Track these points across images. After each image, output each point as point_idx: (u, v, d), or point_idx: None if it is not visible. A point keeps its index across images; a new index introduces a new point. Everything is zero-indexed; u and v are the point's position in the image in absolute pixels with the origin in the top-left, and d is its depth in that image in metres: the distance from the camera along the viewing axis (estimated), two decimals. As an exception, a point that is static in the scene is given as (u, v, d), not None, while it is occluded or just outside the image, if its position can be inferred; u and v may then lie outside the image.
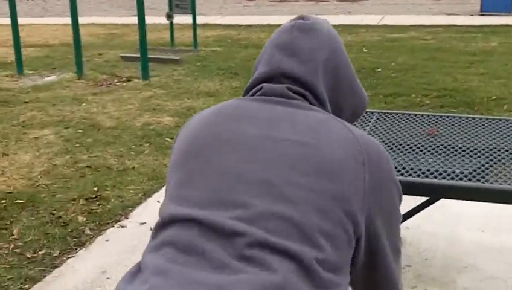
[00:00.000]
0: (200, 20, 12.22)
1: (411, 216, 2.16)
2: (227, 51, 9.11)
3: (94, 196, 3.86)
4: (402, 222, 1.43)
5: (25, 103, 6.40)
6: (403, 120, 2.54)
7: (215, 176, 1.12)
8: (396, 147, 2.22)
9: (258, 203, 1.07)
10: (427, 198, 2.02)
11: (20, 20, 13.22)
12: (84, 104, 6.30)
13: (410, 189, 1.89)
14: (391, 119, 2.55)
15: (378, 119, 2.56)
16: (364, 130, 2.44)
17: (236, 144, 1.16)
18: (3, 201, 3.80)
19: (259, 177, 1.10)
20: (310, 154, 1.13)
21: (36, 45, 10.33)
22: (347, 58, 1.36)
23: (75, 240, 3.28)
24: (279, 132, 1.17)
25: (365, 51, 8.77)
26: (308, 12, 14.01)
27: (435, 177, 1.95)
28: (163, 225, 1.13)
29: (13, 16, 7.67)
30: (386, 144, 2.24)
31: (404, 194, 1.32)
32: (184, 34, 10.68)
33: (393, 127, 2.45)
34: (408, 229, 3.14)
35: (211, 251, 1.03)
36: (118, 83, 7.31)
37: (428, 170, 2.01)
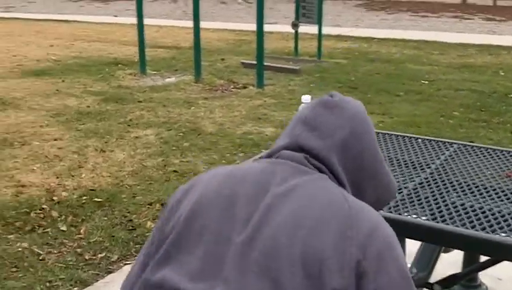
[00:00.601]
0: (333, 31, 12.01)
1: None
2: (351, 64, 8.81)
3: (171, 202, 3.78)
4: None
5: (139, 102, 6.57)
6: (485, 156, 2.16)
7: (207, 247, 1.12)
8: (462, 187, 1.88)
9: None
10: None
11: (158, 22, 13.84)
12: (193, 107, 6.33)
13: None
14: (471, 155, 2.18)
15: (455, 151, 2.20)
16: (433, 161, 2.10)
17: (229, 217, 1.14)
18: (84, 198, 3.85)
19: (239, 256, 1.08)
20: (293, 244, 1.07)
21: (166, 46, 10.67)
22: (374, 144, 1.31)
23: (137, 246, 3.20)
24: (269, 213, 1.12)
25: (502, 74, 8.06)
26: (449, 28, 13.28)
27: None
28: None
29: (139, 17, 7.96)
30: (451, 182, 1.90)
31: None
32: (312, 44, 10.51)
33: (469, 163, 2.09)
34: (501, 281, 2.73)
35: None
36: (232, 89, 7.29)
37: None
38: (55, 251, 3.15)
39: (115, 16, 15.62)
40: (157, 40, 11.19)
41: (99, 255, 3.10)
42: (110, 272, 2.96)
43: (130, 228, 3.43)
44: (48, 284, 2.83)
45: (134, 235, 3.33)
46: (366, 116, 1.32)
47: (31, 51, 9.81)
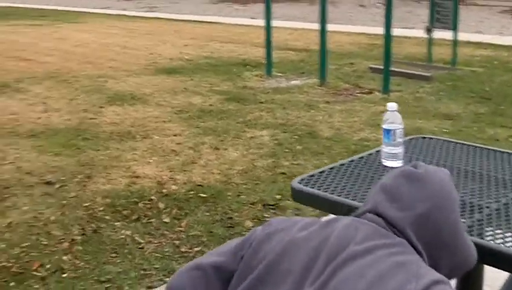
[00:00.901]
0: (474, 38, 11.46)
1: None
2: (488, 73, 8.34)
3: (273, 203, 3.81)
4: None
5: (260, 102, 6.67)
6: None
7: None
8: None
9: None
10: None
11: (293, 25, 13.99)
12: (312, 111, 6.33)
13: None
14: None
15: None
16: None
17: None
18: (191, 192, 3.98)
19: None
20: None
21: (296, 49, 10.75)
22: (455, 219, 1.33)
23: (232, 244, 3.26)
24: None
25: None
26: None
27: None
28: None
29: (267, 20, 8.08)
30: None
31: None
32: (449, 51, 10.08)
33: None
34: None
35: None
36: (357, 94, 7.19)
37: None
38: (155, 241, 3.29)
39: (252, 19, 15.99)
40: (288, 43, 11.30)
41: (195, 249, 3.20)
42: (202, 267, 3.04)
43: (229, 225, 3.49)
44: (142, 271, 2.96)
45: (232, 232, 3.39)
46: (449, 190, 1.34)
47: (166, 50, 10.31)
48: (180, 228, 3.45)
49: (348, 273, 1.17)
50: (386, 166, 2.13)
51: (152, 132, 5.40)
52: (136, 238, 3.31)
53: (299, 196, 1.98)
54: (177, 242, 3.28)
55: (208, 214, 3.65)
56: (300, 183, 1.98)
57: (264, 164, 4.58)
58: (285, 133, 5.47)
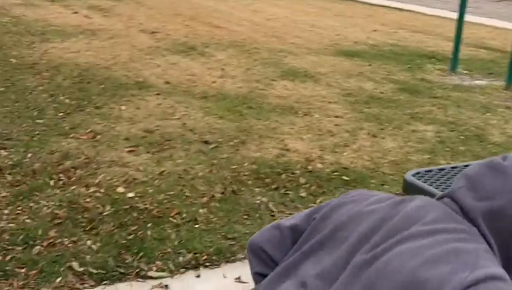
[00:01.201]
0: None
1: None
2: None
3: (414, 198, 3.74)
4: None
5: (434, 97, 6.48)
6: None
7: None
8: None
9: None
10: None
11: (496, 23, 13.19)
12: (488, 114, 6.02)
13: None
14: None
15: None
16: None
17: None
18: (335, 173, 4.05)
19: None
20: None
21: (491, 48, 10.17)
22: None
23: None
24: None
25: None
26: None
27: None
28: None
29: (461, 13, 7.77)
30: None
31: None
32: None
33: None
34: None
35: None
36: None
37: None
38: (287, 212, 3.42)
39: (452, 12, 15.33)
40: (483, 41, 10.73)
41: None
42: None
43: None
44: (265, 237, 3.11)
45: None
46: None
47: (353, 33, 10.32)
48: (314, 204, 3.53)
49: (403, 250, 1.19)
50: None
51: (314, 110, 5.51)
52: (270, 205, 3.47)
53: (409, 188, 1.97)
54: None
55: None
56: (414, 176, 1.97)
57: (418, 159, 4.49)
58: (451, 131, 5.27)
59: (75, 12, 9.76)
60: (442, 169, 2.05)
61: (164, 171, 3.84)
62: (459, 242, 1.20)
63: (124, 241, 2.95)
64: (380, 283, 1.17)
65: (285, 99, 5.82)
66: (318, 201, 3.59)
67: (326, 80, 6.76)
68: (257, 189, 3.69)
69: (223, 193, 3.59)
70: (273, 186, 3.75)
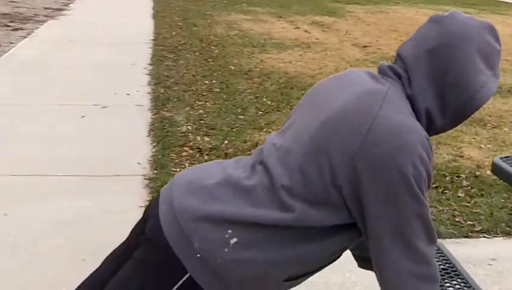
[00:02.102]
0: None
1: None
2: None
3: None
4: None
5: None
6: None
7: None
8: None
9: (293, 148, 1.50)
10: None
11: None
12: None
13: None
14: None
15: None
16: None
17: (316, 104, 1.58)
18: (502, 182, 4.22)
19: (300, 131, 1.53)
20: (331, 118, 1.46)
21: None
22: (466, 58, 1.46)
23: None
24: (328, 96, 1.54)
25: None
26: None
27: None
28: None
29: None
30: None
31: None
32: None
33: None
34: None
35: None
36: None
37: None
38: (440, 208, 3.74)
39: None
40: None
41: (468, 222, 3.55)
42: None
43: (516, 214, 3.69)
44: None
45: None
46: (470, 33, 1.47)
47: None
48: (467, 204, 3.81)
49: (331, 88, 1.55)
50: None
51: (505, 124, 5.61)
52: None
53: (496, 171, 2.28)
54: (456, 212, 3.67)
55: (503, 201, 3.89)
56: (502, 159, 2.28)
57: None
58: None
59: (297, 28, 10.71)
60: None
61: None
62: (369, 88, 1.48)
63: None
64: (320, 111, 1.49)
65: (477, 113, 5.97)
66: (473, 202, 3.85)
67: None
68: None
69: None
70: (434, 185, 4.07)
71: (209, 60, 7.77)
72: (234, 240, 1.43)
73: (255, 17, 11.67)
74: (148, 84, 6.44)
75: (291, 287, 1.55)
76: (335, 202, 1.42)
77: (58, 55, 7.79)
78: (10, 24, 9.80)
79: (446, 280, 2.13)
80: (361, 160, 1.38)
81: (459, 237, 3.43)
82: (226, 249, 1.43)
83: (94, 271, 1.71)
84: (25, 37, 8.87)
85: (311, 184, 1.42)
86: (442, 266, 2.28)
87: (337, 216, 1.43)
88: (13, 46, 8.15)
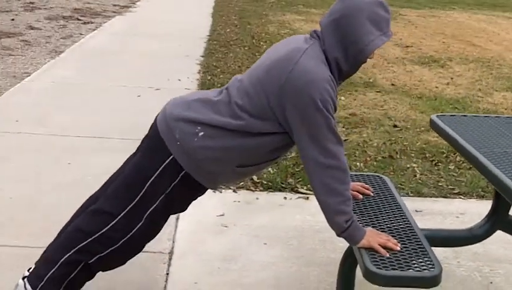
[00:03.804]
0: None
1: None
2: None
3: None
4: None
5: None
6: None
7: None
8: None
9: (246, 81, 2.38)
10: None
11: None
12: None
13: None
14: None
15: None
16: None
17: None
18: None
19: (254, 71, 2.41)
20: (271, 62, 2.33)
21: None
22: (357, 22, 2.25)
23: None
24: (275, 51, 2.41)
25: None
26: None
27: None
28: None
29: None
30: None
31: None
32: None
33: None
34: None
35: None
36: None
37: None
38: (429, 176, 4.46)
39: None
40: None
41: (449, 187, 4.27)
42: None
43: None
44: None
45: None
46: (360, 6, 2.24)
47: None
48: (454, 174, 4.52)
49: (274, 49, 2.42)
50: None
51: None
52: (416, 170, 4.55)
53: (434, 127, 3.01)
54: (442, 179, 4.40)
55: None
56: (438, 117, 3.02)
57: None
58: None
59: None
60: (465, 116, 3.05)
61: (347, 139, 5.14)
62: (295, 46, 2.29)
63: (292, 171, 4.38)
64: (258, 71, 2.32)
65: (496, 106, 6.60)
66: (460, 172, 4.55)
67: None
68: (414, 160, 4.78)
69: (382, 157, 4.77)
70: (431, 160, 4.78)
71: (257, 54, 8.63)
72: (201, 133, 2.32)
73: (308, 18, 12.47)
74: (198, 73, 7.36)
75: (245, 174, 2.47)
76: (270, 117, 2.28)
77: (122, 45, 8.83)
78: (81, 18, 10.96)
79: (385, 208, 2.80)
80: (285, 90, 2.24)
81: (438, 197, 4.15)
82: (195, 139, 2.33)
83: (116, 170, 2.65)
84: (94, 29, 9.98)
85: (254, 104, 2.30)
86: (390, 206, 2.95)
87: (272, 126, 2.30)
88: (83, 37, 9.25)
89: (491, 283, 3.16)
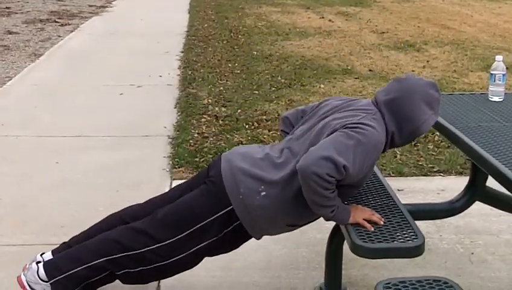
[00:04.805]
0: None
1: None
2: None
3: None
4: None
5: None
6: None
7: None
8: None
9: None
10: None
11: None
12: None
13: None
14: None
15: None
16: None
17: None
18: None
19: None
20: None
21: None
22: (413, 105, 2.47)
23: None
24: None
25: None
26: None
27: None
28: None
29: None
30: None
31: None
32: None
33: None
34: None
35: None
36: None
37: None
38: (408, 156, 4.58)
39: None
40: None
41: (429, 165, 4.39)
42: None
43: None
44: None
45: None
46: (415, 90, 2.47)
47: None
48: (433, 153, 4.65)
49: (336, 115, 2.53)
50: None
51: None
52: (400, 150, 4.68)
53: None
54: (422, 159, 4.52)
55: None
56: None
57: None
58: None
59: (322, 18, 11.55)
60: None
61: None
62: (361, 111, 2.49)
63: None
64: (325, 130, 2.47)
65: (471, 86, 6.74)
66: (438, 151, 4.68)
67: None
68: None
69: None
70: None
71: (235, 47, 8.71)
72: (263, 193, 2.43)
73: (284, 9, 12.56)
74: (178, 68, 7.43)
75: (292, 230, 2.64)
76: None
77: (101, 45, 8.86)
78: (58, 20, 10.96)
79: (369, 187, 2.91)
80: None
81: (418, 176, 4.28)
82: (257, 197, 2.44)
83: (161, 194, 2.76)
84: (72, 31, 9.99)
85: None
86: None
87: None
88: (61, 39, 9.27)
89: (472, 253, 3.28)
